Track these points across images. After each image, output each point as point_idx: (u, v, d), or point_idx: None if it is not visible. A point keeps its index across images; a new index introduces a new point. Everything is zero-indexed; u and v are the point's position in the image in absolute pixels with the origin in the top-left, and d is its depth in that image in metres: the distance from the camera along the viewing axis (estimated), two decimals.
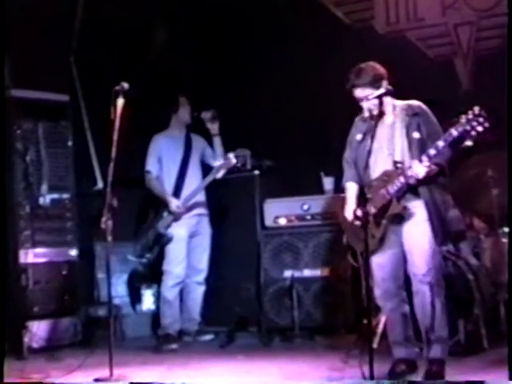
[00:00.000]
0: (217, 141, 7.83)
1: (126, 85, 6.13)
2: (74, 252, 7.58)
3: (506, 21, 7.51)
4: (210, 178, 7.62)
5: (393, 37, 8.31)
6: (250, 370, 6.30)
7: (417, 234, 5.48)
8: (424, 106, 5.69)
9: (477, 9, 8.02)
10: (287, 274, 7.66)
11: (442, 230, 5.50)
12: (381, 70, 5.78)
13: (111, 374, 5.72)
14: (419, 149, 5.47)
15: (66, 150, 7.61)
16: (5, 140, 7.00)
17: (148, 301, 8.35)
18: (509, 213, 6.13)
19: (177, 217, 7.60)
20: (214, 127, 7.81)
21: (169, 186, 7.68)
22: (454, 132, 5.34)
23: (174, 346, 7.40)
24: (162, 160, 7.73)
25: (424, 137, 5.50)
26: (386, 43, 8.22)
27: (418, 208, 5.48)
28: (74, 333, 7.46)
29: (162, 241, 7.60)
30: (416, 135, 5.53)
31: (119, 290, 8.11)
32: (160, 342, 7.49)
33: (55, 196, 7.48)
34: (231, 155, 7.55)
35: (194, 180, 7.72)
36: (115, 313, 7.34)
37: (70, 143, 7.63)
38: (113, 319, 6.22)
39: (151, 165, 7.70)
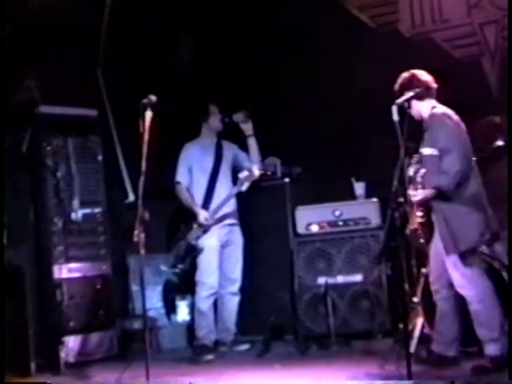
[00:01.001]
0: (252, 142, 7.76)
1: (153, 97, 6.19)
2: (107, 266, 7.60)
3: None
4: (234, 191, 7.60)
5: (419, 39, 8.29)
6: (288, 378, 6.28)
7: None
8: (434, 119, 5.70)
9: (501, 7, 7.93)
10: (321, 280, 7.66)
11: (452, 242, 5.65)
12: (409, 77, 5.94)
13: None
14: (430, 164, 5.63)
15: (96, 165, 7.65)
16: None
17: (183, 312, 8.32)
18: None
19: (206, 228, 7.59)
20: (248, 128, 7.75)
21: (198, 196, 7.67)
22: None
23: (211, 356, 7.39)
24: (193, 170, 7.70)
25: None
26: (411, 46, 8.21)
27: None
28: (109, 346, 7.48)
29: (193, 252, 7.59)
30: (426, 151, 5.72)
31: (154, 302, 8.13)
32: (196, 352, 7.48)
33: (87, 211, 7.51)
34: (255, 167, 7.52)
35: (223, 190, 7.69)
36: (150, 325, 7.32)
37: (99, 157, 7.66)
38: (148, 332, 6.23)
39: (181, 175, 7.68)
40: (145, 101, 6.18)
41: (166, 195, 7.75)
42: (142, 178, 6.01)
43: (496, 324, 5.67)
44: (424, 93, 5.84)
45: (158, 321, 8.11)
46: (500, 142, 6.96)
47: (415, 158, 6.05)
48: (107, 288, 7.56)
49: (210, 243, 7.60)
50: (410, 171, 5.99)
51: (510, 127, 5.78)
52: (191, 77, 8.66)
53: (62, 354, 7.08)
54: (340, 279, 7.70)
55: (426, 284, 6.48)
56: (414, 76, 5.96)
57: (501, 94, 7.84)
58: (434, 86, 5.94)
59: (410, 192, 5.74)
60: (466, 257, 5.76)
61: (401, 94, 5.87)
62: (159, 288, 8.23)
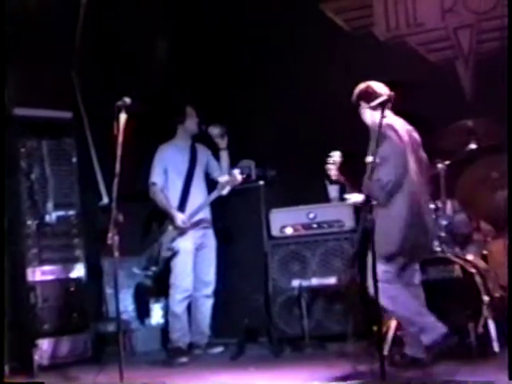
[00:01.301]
0: (224, 155, 7.81)
1: (128, 100, 6.18)
2: (81, 268, 7.58)
3: (505, 22, 7.53)
4: (214, 195, 7.60)
5: (393, 42, 8.31)
6: (262, 381, 6.30)
7: None
8: (379, 129, 5.73)
9: (476, 11, 8.00)
10: (295, 283, 7.65)
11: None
12: (365, 88, 6.15)
13: None
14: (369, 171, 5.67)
15: (70, 167, 7.63)
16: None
17: (157, 315, 8.33)
18: (509, 215, 6.11)
19: (182, 232, 7.59)
20: (221, 142, 7.81)
21: (174, 198, 7.67)
22: None
23: (185, 359, 7.39)
24: (168, 171, 7.69)
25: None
26: (386, 49, 8.25)
27: None
28: (83, 349, 7.47)
29: (167, 255, 7.58)
30: (368, 159, 5.77)
31: (128, 304, 8.13)
32: (170, 355, 7.48)
33: (61, 213, 7.49)
34: (237, 171, 7.52)
35: (198, 193, 7.71)
36: (124, 328, 7.33)
37: (74, 160, 7.65)
38: (122, 334, 6.23)
39: (157, 176, 7.67)
40: (119, 103, 6.16)
41: (139, 197, 7.73)
42: (116, 180, 5.99)
43: (414, 319, 5.99)
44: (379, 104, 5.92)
45: (132, 323, 8.11)
46: (473, 146, 7.02)
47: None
48: (81, 291, 7.55)
49: (184, 246, 7.60)
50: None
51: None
52: (167, 78, 8.67)
53: (36, 357, 7.06)
54: (314, 282, 7.70)
55: None
56: (369, 87, 6.12)
57: (474, 97, 7.93)
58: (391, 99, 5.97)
59: (345, 195, 6.12)
60: (386, 261, 5.95)
61: (357, 104, 6.13)
62: (133, 291, 8.23)
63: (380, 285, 5.54)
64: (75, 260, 7.56)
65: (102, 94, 7.70)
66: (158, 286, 7.89)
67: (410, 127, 6.20)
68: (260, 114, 8.56)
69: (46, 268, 7.36)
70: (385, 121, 5.78)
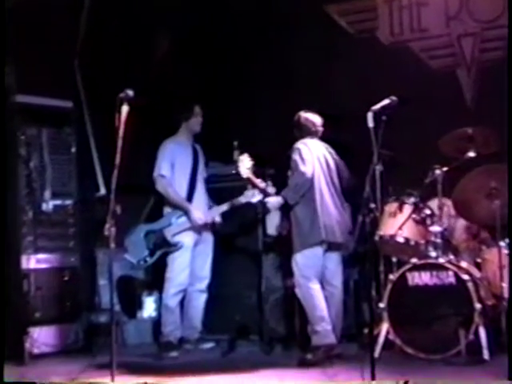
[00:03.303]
0: None
1: (130, 92, 6.14)
2: (75, 258, 7.61)
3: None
4: (242, 200, 7.54)
5: (396, 47, 8.37)
6: (251, 378, 6.33)
7: None
8: (293, 147, 6.99)
9: (480, 20, 8.09)
10: (288, 282, 7.63)
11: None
12: (297, 118, 7.19)
13: (113, 380, 5.74)
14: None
15: (69, 157, 7.65)
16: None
17: (149, 308, 8.37)
18: (509, 221, 6.14)
19: (194, 227, 7.57)
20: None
21: (180, 193, 7.65)
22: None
23: (175, 353, 7.41)
24: (175, 166, 7.63)
25: None
26: (389, 53, 8.30)
27: None
28: (75, 339, 7.49)
29: (168, 248, 7.57)
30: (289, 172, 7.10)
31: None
32: (161, 349, 7.50)
33: (58, 202, 7.51)
34: (256, 193, 7.43)
35: (201, 191, 7.73)
36: (116, 319, 7.32)
37: (73, 149, 7.67)
38: (114, 326, 6.20)
39: (165, 169, 7.58)
40: (122, 95, 6.14)
41: (138, 190, 7.81)
42: (116, 172, 5.98)
43: (316, 319, 6.73)
44: (307, 132, 7.07)
45: (124, 315, 8.13)
46: (472, 154, 7.06)
47: None
48: (75, 280, 7.57)
49: (185, 241, 7.59)
50: None
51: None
52: (170, 72, 8.67)
53: (27, 345, 7.08)
54: None
55: (393, 290, 6.67)
56: (301, 117, 7.12)
57: (474, 106, 8.00)
58: (318, 128, 7.09)
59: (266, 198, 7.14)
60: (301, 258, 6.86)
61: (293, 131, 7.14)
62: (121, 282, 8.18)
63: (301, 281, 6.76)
64: (70, 249, 7.58)
65: (104, 84, 7.72)
66: (151, 278, 7.93)
67: (328, 151, 7.12)
68: (262, 113, 8.62)
69: (41, 256, 7.38)
70: (296, 145, 6.94)
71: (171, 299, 7.56)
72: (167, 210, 7.68)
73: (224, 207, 7.60)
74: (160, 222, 7.63)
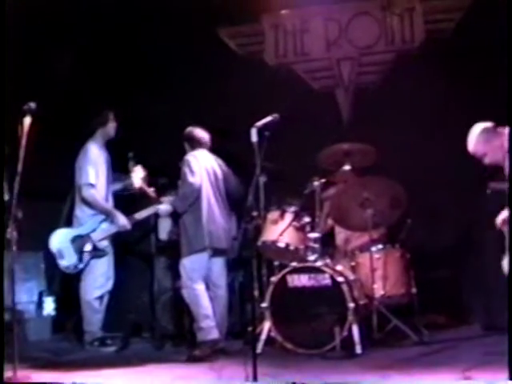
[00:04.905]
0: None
1: (33, 105, 6.28)
2: None
3: (385, 57, 8.19)
4: (165, 209, 7.44)
5: (282, 69, 8.69)
6: (143, 372, 6.48)
7: None
8: (183, 162, 7.23)
9: (358, 46, 8.53)
10: (179, 283, 7.62)
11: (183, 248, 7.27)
12: (187, 132, 7.49)
13: (15, 375, 5.88)
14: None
15: None
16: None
17: (49, 307, 8.45)
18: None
19: (121, 232, 7.65)
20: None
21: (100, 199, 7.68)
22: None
23: (111, 348, 7.56)
24: (98, 173, 7.67)
25: None
26: (275, 74, 8.59)
27: None
28: None
29: (96, 253, 7.65)
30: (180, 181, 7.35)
31: (22, 296, 8.15)
32: (100, 345, 7.60)
33: None
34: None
35: (111, 195, 7.82)
36: (18, 317, 7.31)
37: None
38: (16, 324, 6.30)
39: (93, 177, 7.61)
40: (25, 107, 6.27)
41: (39, 195, 7.87)
42: (18, 179, 6.08)
43: (201, 317, 7.01)
44: (196, 145, 7.37)
45: (25, 314, 8.14)
46: (347, 167, 7.42)
47: None
48: None
49: (108, 245, 7.74)
50: None
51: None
52: (71, 81, 8.74)
53: None
54: None
55: (275, 291, 6.93)
56: (190, 132, 7.42)
57: (351, 123, 8.37)
58: (206, 141, 7.41)
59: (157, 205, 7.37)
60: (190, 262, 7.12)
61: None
62: (27, 284, 8.30)
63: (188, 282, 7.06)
64: None
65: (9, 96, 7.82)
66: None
67: (217, 162, 7.40)
68: (157, 127, 8.74)
69: None
70: (186, 156, 7.19)
71: (95, 301, 7.65)
72: (80, 214, 7.70)
73: (144, 213, 7.57)
74: (85, 226, 7.64)
